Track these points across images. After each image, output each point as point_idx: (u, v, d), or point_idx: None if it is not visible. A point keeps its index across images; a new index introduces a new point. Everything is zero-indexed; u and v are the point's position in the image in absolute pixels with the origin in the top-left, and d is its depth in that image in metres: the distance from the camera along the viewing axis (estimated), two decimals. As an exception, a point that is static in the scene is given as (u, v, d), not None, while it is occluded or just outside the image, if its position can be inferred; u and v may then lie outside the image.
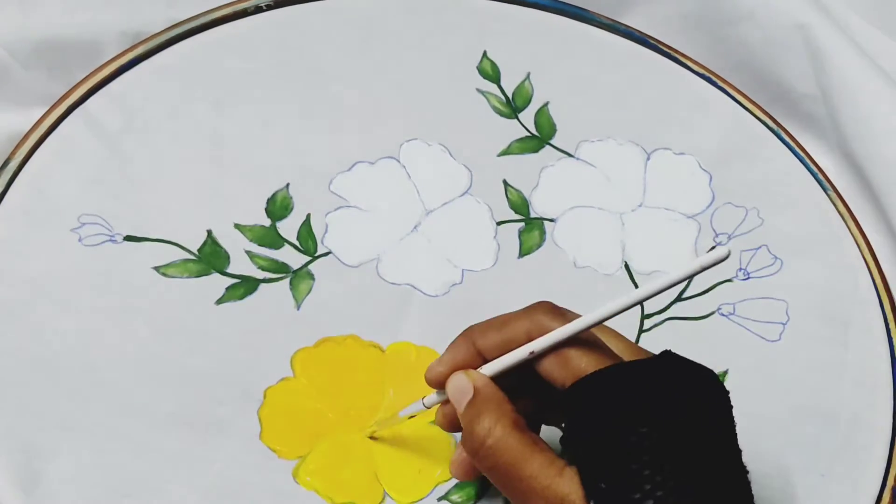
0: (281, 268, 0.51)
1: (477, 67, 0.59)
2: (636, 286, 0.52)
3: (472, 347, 0.40)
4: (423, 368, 0.48)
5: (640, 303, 0.38)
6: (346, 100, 0.56)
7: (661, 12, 0.64)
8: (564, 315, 0.39)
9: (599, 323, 0.37)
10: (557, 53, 0.60)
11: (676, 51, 0.61)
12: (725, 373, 0.50)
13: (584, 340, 0.38)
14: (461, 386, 0.39)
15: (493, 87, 0.58)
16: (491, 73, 0.59)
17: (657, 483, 0.33)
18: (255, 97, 0.56)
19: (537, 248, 0.53)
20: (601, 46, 0.61)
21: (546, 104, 0.58)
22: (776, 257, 0.54)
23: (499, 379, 0.39)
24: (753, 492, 0.35)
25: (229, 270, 0.50)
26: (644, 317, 0.51)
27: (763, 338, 0.52)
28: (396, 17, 0.60)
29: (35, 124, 0.53)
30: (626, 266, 0.53)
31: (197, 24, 0.57)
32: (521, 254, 0.53)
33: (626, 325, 0.51)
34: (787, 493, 0.47)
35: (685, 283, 0.53)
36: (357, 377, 0.48)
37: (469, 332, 0.40)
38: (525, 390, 0.40)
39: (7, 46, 0.55)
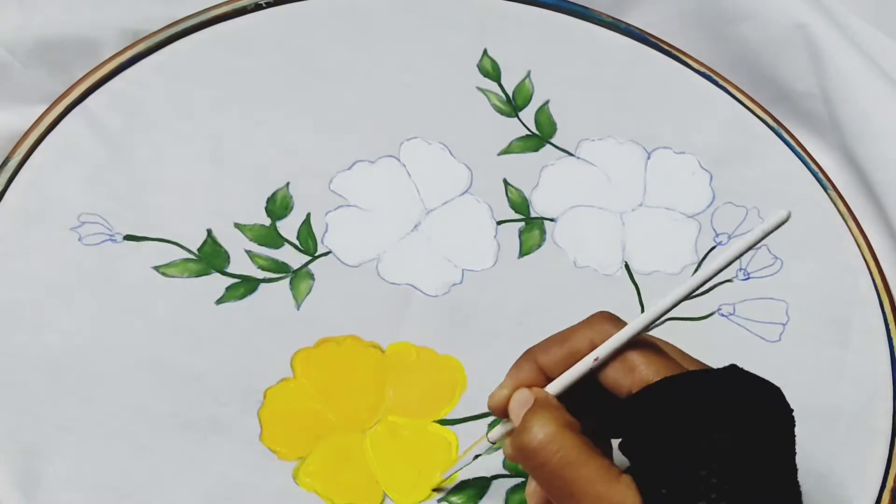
0: (281, 267, 0.50)
1: (477, 65, 0.59)
2: (636, 286, 0.52)
3: (535, 366, 0.39)
4: (423, 368, 0.49)
5: (701, 286, 0.37)
6: (346, 98, 0.56)
7: (661, 10, 0.64)
8: (625, 323, 0.37)
9: (667, 312, 0.36)
10: (558, 52, 0.60)
11: (677, 49, 0.61)
12: (725, 373, 0.50)
13: (648, 348, 0.36)
14: (522, 399, 0.38)
15: (493, 86, 0.58)
16: (491, 71, 0.58)
17: (723, 492, 0.32)
18: (254, 95, 0.55)
19: (537, 248, 0.53)
20: (602, 45, 0.60)
21: (546, 103, 0.58)
22: (776, 257, 0.54)
23: (563, 399, 0.38)
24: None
25: (229, 270, 0.50)
26: (644, 317, 0.51)
27: (763, 338, 0.52)
28: (396, 16, 0.59)
29: (35, 122, 0.52)
30: (627, 266, 0.53)
31: (196, 22, 0.57)
32: (522, 253, 0.53)
33: (626, 326, 0.51)
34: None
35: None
36: (357, 377, 0.48)
37: (530, 352, 0.39)
38: (589, 413, 0.38)
39: (7, 45, 0.55)
